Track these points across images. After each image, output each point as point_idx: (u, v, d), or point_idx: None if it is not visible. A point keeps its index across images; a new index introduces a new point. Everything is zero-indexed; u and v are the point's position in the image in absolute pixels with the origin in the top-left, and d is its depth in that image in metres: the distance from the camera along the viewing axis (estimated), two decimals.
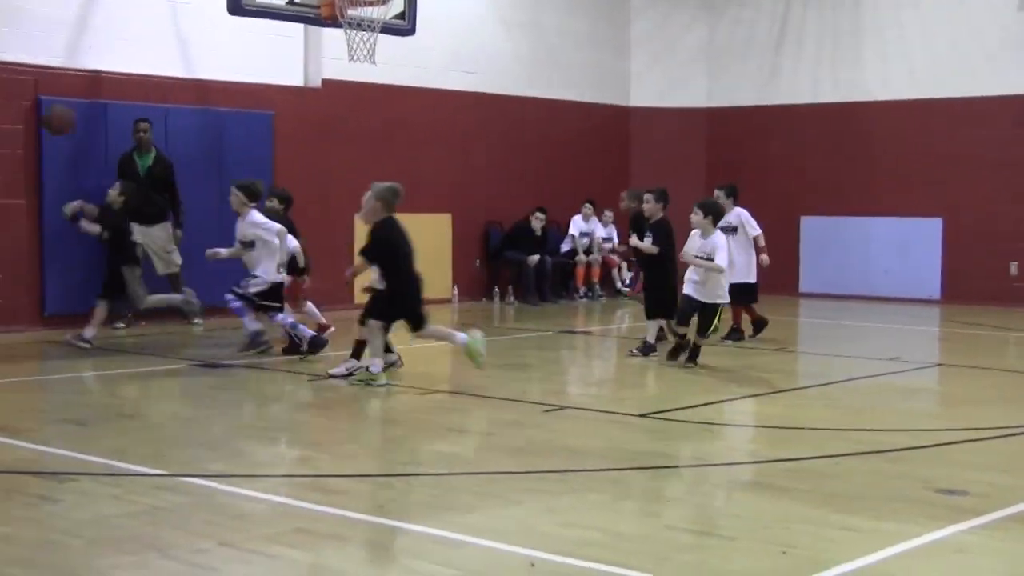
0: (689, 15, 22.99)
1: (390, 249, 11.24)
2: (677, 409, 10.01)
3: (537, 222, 20.02)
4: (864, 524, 6.55)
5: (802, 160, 21.75)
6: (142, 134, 15.10)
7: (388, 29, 14.87)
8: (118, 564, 5.78)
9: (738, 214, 14.86)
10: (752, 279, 14.82)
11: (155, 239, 15.13)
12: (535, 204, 20.19)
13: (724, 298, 12.55)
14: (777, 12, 22.10)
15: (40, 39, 15.10)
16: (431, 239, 18.72)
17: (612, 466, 8.02)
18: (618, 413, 9.91)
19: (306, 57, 17.93)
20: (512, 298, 19.89)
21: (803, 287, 21.61)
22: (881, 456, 8.31)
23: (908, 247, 20.58)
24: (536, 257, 19.72)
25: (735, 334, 14.72)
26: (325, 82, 17.99)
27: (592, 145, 21.96)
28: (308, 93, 17.93)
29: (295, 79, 17.87)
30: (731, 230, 14.46)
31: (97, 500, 6.94)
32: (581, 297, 20.52)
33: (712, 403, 10.34)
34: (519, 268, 19.83)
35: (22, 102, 14.91)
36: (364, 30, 14.53)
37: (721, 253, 12.34)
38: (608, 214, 21.03)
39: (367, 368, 11.15)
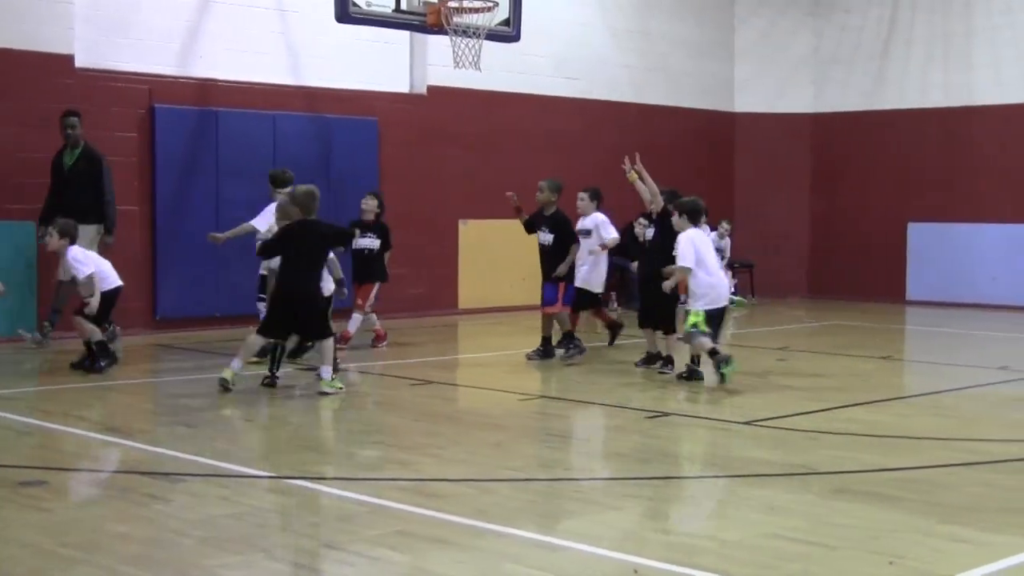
0: (795, 21, 22.78)
1: (280, 250, 11.13)
2: (782, 417, 9.92)
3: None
4: (974, 536, 6.44)
5: (909, 165, 21.43)
6: (69, 130, 13.80)
7: (493, 36, 14.95)
8: (225, 564, 5.88)
9: (594, 218, 14.03)
10: (596, 289, 14.06)
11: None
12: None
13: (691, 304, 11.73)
14: (884, 17, 21.81)
15: (153, 48, 15.45)
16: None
17: (716, 473, 7.97)
18: (722, 420, 9.85)
19: (412, 64, 18.10)
20: (615, 304, 19.84)
21: (910, 295, 21.27)
22: (992, 467, 8.16)
23: (1017, 254, 20.16)
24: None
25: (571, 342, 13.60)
26: (430, 88, 18.14)
27: (697, 152, 21.85)
28: (414, 99, 18.09)
29: (401, 86, 18.04)
30: (585, 233, 13.85)
31: (206, 501, 7.07)
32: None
33: (818, 411, 10.23)
34: (623, 274, 19.77)
35: (137, 110, 15.25)
36: (469, 37, 14.63)
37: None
38: (724, 226, 20.50)
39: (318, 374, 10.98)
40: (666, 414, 10.15)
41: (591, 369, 12.88)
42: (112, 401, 10.60)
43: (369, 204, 14.12)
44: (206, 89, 15.91)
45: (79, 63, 14.85)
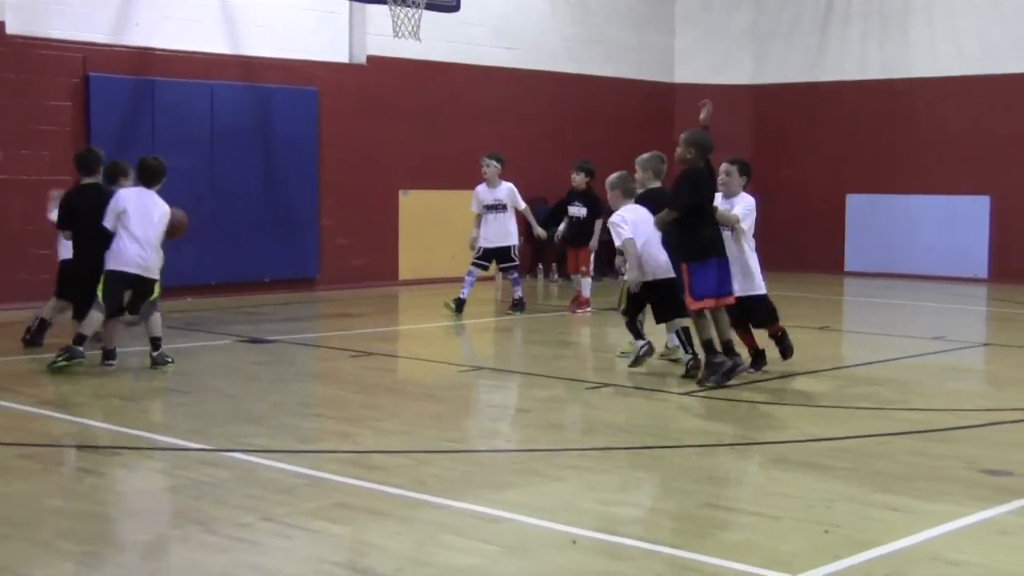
0: None
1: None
2: (720, 388, 9.97)
3: None
4: (908, 504, 6.51)
5: (848, 138, 21.58)
6: None
7: (433, 6, 14.93)
8: (161, 537, 5.84)
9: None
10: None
11: None
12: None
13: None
14: None
15: (88, 16, 15.22)
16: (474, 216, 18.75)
17: (655, 444, 8.01)
18: (661, 391, 9.88)
19: (351, 34, 17.97)
20: (556, 275, 19.86)
21: (848, 266, 21.46)
22: (926, 436, 8.25)
23: (954, 225, 20.40)
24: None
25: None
26: (370, 59, 18.02)
27: (636, 122, 21.84)
28: (353, 69, 17.97)
29: (341, 56, 17.91)
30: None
31: (141, 474, 7.01)
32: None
33: (756, 382, 10.29)
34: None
35: (71, 79, 15.03)
36: (409, 6, 14.59)
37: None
38: None
39: None
40: (606, 385, 10.18)
41: (531, 340, 12.88)
42: (46, 374, 10.46)
43: (576, 178, 15.01)
44: (142, 58, 15.70)
45: (10, 30, 14.60)
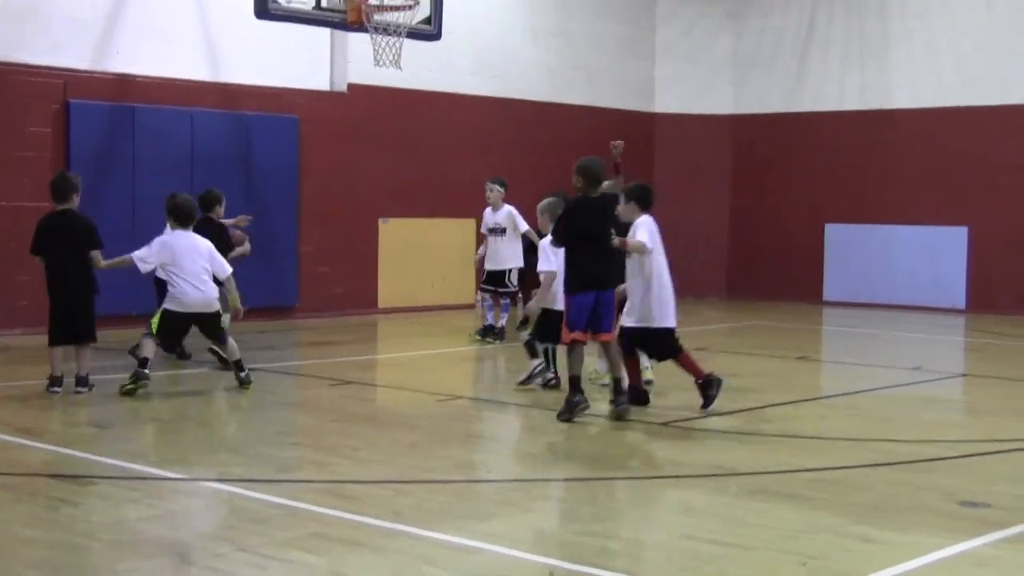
0: (715, 22, 22.94)
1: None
2: (699, 418, 9.97)
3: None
4: (886, 536, 6.50)
5: (827, 167, 21.67)
6: None
7: (414, 34, 14.91)
8: (137, 568, 5.79)
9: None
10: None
11: None
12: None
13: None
14: (803, 19, 22.03)
15: (68, 42, 15.19)
16: (456, 244, 18.75)
17: (633, 475, 7.99)
18: (640, 421, 9.87)
19: (332, 61, 17.99)
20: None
21: (827, 295, 21.51)
22: (904, 467, 8.26)
23: (933, 255, 20.47)
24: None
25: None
26: (351, 86, 18.03)
27: None
28: (334, 97, 17.98)
29: (321, 83, 17.92)
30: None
31: (117, 504, 6.96)
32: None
33: (735, 412, 10.29)
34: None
35: (51, 105, 15.00)
36: (390, 35, 14.58)
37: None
38: None
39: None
40: (584, 414, 10.14)
41: (508, 369, 12.87)
42: (21, 401, 10.40)
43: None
44: (122, 84, 15.68)
45: None
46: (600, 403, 10.13)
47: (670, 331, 10.30)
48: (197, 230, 11.26)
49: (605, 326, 9.81)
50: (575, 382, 9.72)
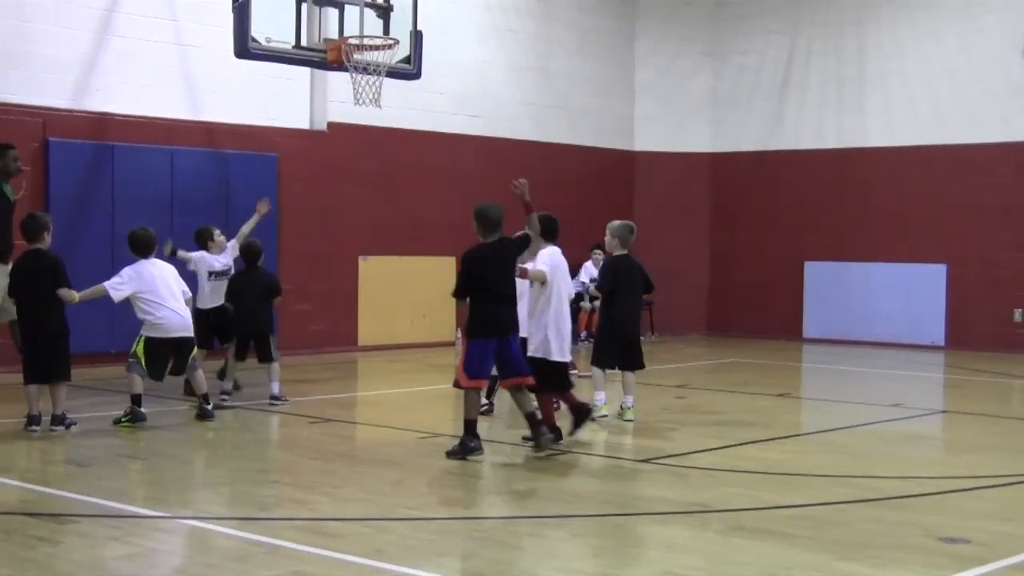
0: (693, 61, 23.09)
1: None
2: (680, 455, 9.97)
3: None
4: (868, 572, 6.51)
5: (806, 205, 21.78)
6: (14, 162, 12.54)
7: (394, 73, 14.96)
8: None
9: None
10: None
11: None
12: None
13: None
14: (781, 59, 22.20)
15: (48, 80, 15.20)
16: (436, 282, 18.73)
17: (614, 511, 7.98)
18: (621, 458, 9.87)
19: (312, 100, 18.03)
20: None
21: (807, 332, 21.57)
22: (884, 503, 8.27)
23: (912, 293, 20.57)
24: None
25: None
26: (331, 125, 18.07)
27: (596, 188, 21.97)
28: (314, 136, 18.01)
29: (301, 122, 17.96)
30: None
31: (96, 542, 6.92)
32: (583, 340, 20.48)
33: (715, 449, 10.30)
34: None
35: (30, 143, 14.98)
36: (370, 74, 14.62)
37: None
38: (597, 255, 20.69)
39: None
40: (564, 452, 10.15)
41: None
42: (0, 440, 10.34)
43: None
44: (102, 123, 15.69)
45: None
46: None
47: (564, 365, 10.49)
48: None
49: (523, 370, 9.79)
50: (470, 426, 9.69)
